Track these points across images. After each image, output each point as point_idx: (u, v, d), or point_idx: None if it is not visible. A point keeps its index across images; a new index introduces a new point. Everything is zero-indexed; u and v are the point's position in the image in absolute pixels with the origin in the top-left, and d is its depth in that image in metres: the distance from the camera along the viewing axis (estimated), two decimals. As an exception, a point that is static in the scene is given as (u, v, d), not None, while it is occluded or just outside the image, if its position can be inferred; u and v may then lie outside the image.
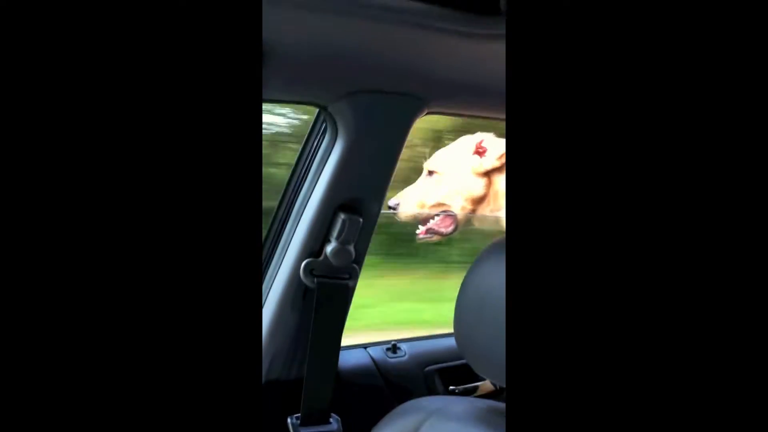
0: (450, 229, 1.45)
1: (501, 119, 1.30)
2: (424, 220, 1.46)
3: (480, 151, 1.42)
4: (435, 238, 1.46)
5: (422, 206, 1.44)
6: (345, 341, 1.12)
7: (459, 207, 1.43)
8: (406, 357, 1.31)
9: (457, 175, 1.43)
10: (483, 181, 1.42)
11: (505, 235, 0.71)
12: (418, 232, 1.47)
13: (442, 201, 1.43)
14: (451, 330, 0.70)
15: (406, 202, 1.45)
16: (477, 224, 1.47)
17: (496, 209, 1.44)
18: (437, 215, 1.45)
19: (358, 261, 1.09)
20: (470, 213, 1.44)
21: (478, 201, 1.43)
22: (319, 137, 1.04)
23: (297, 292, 1.07)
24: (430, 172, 1.45)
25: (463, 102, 1.07)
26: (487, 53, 0.86)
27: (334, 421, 1.09)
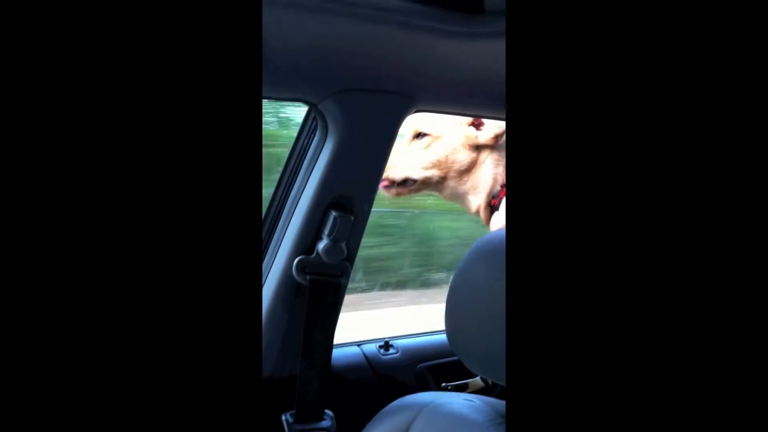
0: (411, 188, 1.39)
1: (490, 118, 1.30)
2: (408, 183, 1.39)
3: (476, 123, 1.36)
4: (393, 192, 1.38)
5: (410, 170, 1.37)
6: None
7: (438, 174, 1.36)
8: (399, 354, 1.31)
9: (450, 142, 1.36)
10: (472, 155, 1.36)
11: (492, 231, 0.71)
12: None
13: (431, 166, 1.36)
14: (443, 327, 0.71)
15: (394, 166, 1.37)
16: (443, 195, 1.41)
17: (469, 187, 1.38)
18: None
19: (350, 258, 1.09)
20: (443, 181, 1.37)
21: (458, 173, 1.37)
22: (309, 135, 1.04)
23: (289, 289, 1.07)
24: (420, 134, 1.38)
25: (452, 101, 1.07)
26: (474, 52, 0.86)
27: (328, 418, 1.09)
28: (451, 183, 1.38)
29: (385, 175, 1.35)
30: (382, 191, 1.38)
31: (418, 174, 1.37)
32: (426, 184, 1.38)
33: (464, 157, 1.36)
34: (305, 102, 0.98)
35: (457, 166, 1.37)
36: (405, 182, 1.38)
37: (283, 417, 1.06)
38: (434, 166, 1.37)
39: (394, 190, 1.39)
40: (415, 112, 1.04)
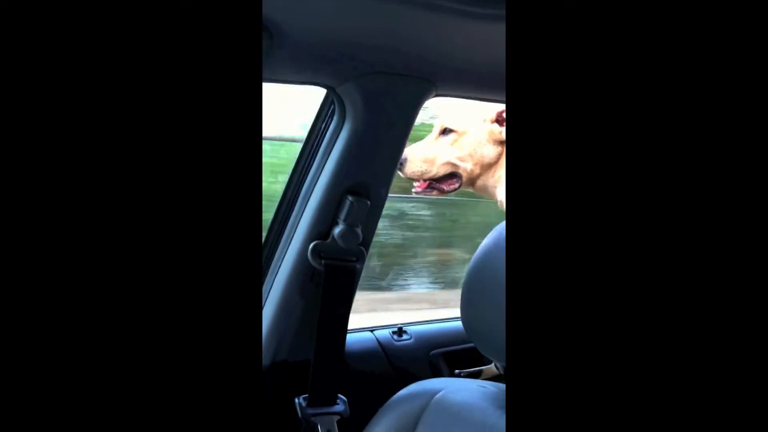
0: (453, 187, 1.39)
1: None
2: (425, 175, 1.39)
3: (500, 120, 1.37)
4: (435, 193, 1.40)
5: (431, 164, 1.37)
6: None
7: (468, 170, 1.38)
8: (412, 340, 1.31)
9: (475, 138, 1.38)
10: (498, 149, 1.38)
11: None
12: (416, 185, 1.40)
13: (454, 162, 1.37)
14: (456, 314, 0.71)
15: (414, 158, 1.38)
16: (476, 190, 1.42)
17: (496, 180, 1.39)
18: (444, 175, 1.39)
19: (366, 244, 1.09)
20: (475, 176, 1.39)
21: (487, 167, 1.39)
22: (327, 119, 1.04)
23: (305, 274, 1.07)
24: (447, 131, 1.39)
25: (473, 85, 1.06)
26: (496, 34, 0.85)
27: (341, 403, 1.10)
28: (482, 177, 1.40)
29: (423, 174, 1.37)
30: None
31: (461, 167, 1.38)
32: (467, 177, 1.39)
33: (491, 151, 1.38)
34: (324, 86, 0.97)
35: (487, 160, 1.38)
36: (452, 176, 1.39)
37: (297, 400, 1.07)
38: (465, 160, 1.38)
39: (435, 192, 1.40)
40: (435, 96, 1.03)
